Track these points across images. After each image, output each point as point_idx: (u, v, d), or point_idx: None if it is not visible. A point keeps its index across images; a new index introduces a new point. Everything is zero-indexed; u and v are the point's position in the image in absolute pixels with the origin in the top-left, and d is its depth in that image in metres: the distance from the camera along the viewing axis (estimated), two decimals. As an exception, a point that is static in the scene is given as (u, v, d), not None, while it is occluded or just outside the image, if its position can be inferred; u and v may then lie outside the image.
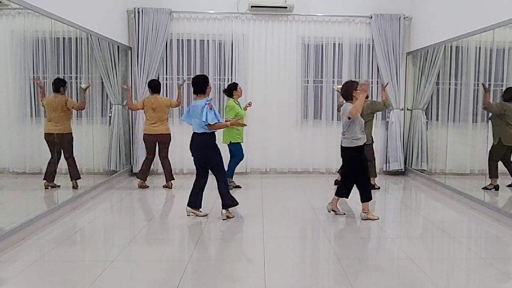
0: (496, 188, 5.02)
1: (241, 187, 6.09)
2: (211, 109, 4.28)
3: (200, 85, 4.43)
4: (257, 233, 4.14)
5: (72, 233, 4.06)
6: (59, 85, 4.79)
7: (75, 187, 5.10)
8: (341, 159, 4.71)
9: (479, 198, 4.99)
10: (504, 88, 5.00)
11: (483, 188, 5.06)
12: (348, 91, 4.38)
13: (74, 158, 5.03)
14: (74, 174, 5.08)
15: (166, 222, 4.59)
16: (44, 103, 4.67)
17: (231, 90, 5.88)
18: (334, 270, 3.26)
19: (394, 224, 4.52)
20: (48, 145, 4.63)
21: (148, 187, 6.03)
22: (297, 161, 7.21)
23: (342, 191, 4.60)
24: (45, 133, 4.64)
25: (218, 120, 4.33)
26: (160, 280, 3.03)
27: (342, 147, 4.51)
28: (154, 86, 5.85)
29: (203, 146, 4.36)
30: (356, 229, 4.33)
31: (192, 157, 4.50)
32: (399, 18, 6.96)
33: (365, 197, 4.50)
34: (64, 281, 3.03)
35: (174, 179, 6.06)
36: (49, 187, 4.70)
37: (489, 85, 5.19)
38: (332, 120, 7.14)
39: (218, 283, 3.02)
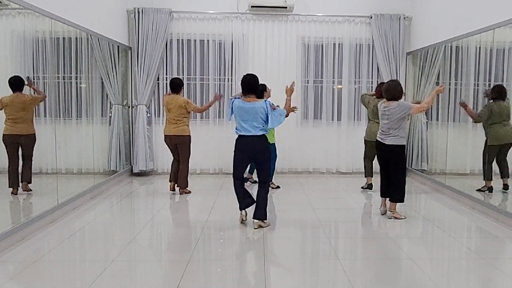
0: (490, 190, 5.02)
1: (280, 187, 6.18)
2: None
3: (254, 84, 4.19)
4: (257, 233, 4.14)
5: (72, 233, 4.06)
6: (20, 83, 4.37)
7: (27, 190, 4.58)
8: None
9: (479, 198, 4.99)
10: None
11: (477, 190, 5.10)
12: (397, 90, 4.39)
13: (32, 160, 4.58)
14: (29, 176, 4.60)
15: (166, 222, 4.58)
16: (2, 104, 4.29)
17: (262, 91, 5.52)
18: (334, 270, 3.26)
19: (394, 224, 4.52)
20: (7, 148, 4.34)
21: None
22: (297, 161, 7.22)
23: (388, 189, 4.58)
24: (4, 135, 4.30)
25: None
26: (160, 280, 3.03)
27: (387, 145, 4.41)
28: (174, 86, 5.48)
29: (264, 148, 4.20)
30: (356, 229, 4.33)
31: (240, 162, 4.25)
32: (399, 18, 6.96)
33: (400, 199, 4.50)
34: (64, 281, 3.03)
35: (187, 186, 5.65)
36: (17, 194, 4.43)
37: (489, 85, 5.20)
38: (332, 120, 7.15)
39: (218, 283, 3.01)
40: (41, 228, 4.10)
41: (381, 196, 4.71)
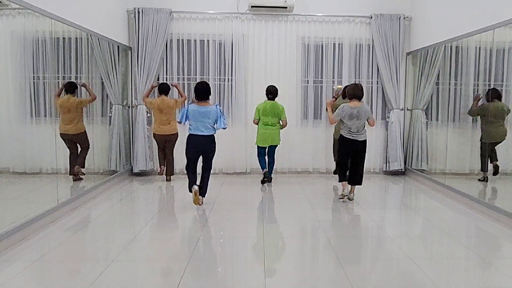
0: (486, 179, 5.29)
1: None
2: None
3: (209, 91, 4.93)
4: (257, 233, 4.15)
5: (72, 233, 4.07)
6: (73, 87, 5.20)
7: (78, 173, 5.37)
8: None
9: (479, 198, 4.99)
10: (504, 88, 5.01)
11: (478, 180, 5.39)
12: (363, 91, 5.16)
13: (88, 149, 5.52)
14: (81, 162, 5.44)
15: (166, 222, 4.59)
16: (57, 104, 5.02)
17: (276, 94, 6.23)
18: (334, 270, 3.27)
19: (394, 224, 4.53)
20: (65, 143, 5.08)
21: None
22: (297, 161, 7.22)
23: (357, 177, 5.29)
24: (60, 133, 4.96)
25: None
26: (160, 280, 3.04)
27: (359, 141, 5.12)
28: (163, 89, 6.33)
29: (213, 144, 4.97)
30: (356, 229, 4.34)
31: (193, 155, 4.93)
32: (399, 18, 6.96)
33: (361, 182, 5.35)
34: (64, 281, 3.04)
35: (173, 174, 6.63)
36: (76, 180, 5.32)
37: (489, 85, 5.20)
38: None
39: (218, 283, 3.02)
40: (41, 228, 4.11)
41: (349, 183, 5.32)
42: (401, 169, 7.15)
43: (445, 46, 6.09)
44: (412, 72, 7.11)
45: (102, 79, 6.18)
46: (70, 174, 5.20)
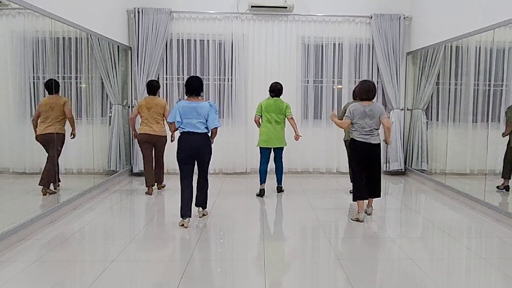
0: (507, 188, 4.92)
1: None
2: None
3: (201, 86, 4.40)
4: (257, 233, 4.14)
5: (72, 233, 4.06)
6: (56, 86, 4.72)
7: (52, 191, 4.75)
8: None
9: (479, 198, 4.99)
10: (504, 88, 5.00)
11: (497, 187, 5.01)
12: (376, 89, 4.56)
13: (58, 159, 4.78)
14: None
15: (166, 222, 4.58)
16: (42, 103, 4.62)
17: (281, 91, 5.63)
18: (334, 271, 3.26)
19: (394, 224, 4.52)
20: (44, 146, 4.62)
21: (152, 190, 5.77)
22: (297, 161, 7.22)
23: (374, 188, 4.61)
24: (38, 135, 4.56)
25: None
26: (160, 280, 3.03)
27: (372, 144, 4.47)
28: (151, 88, 5.64)
29: (208, 143, 4.38)
30: (356, 229, 4.33)
31: (187, 156, 4.30)
32: (399, 18, 6.96)
33: (380, 193, 4.67)
34: (64, 281, 3.03)
35: (161, 183, 5.95)
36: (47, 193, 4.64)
37: (489, 85, 5.20)
38: (332, 120, 7.13)
39: (218, 283, 3.01)
40: (41, 228, 4.10)
41: (366, 197, 4.61)
42: (401, 169, 7.15)
43: (445, 46, 6.09)
44: (412, 72, 7.11)
45: (102, 79, 6.17)
46: (39, 184, 4.56)
